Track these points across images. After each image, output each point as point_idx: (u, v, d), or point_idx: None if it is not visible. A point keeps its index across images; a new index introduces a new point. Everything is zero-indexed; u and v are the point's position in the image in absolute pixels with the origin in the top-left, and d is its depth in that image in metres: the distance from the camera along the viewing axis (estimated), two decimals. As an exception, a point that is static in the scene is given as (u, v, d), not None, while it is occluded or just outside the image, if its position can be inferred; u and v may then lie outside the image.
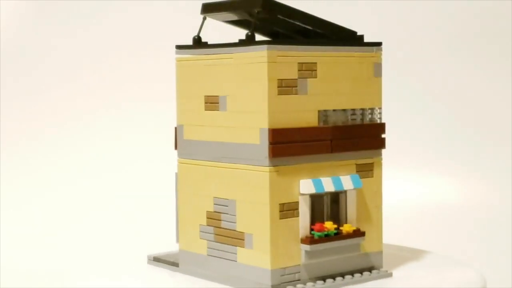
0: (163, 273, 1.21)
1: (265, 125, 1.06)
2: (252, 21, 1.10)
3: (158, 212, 1.38)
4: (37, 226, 1.79)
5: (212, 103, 1.14)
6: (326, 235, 1.10)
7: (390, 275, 1.17)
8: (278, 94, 1.06)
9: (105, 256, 1.46)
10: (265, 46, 1.05)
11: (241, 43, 1.09)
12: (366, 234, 1.15)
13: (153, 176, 1.88)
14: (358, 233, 1.13)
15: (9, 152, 1.99)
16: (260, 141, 1.07)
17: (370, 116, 1.17)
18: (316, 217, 1.12)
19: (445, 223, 2.00)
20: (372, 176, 1.17)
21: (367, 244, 1.16)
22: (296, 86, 1.08)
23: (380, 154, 1.18)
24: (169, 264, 1.23)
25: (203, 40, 1.18)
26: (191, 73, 1.17)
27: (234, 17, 1.16)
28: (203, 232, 1.17)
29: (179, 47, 1.19)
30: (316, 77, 1.10)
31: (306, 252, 1.09)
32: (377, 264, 1.18)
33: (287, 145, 1.07)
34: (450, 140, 2.21)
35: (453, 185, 2.15)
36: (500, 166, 2.19)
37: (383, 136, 1.18)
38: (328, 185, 1.11)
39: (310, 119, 1.10)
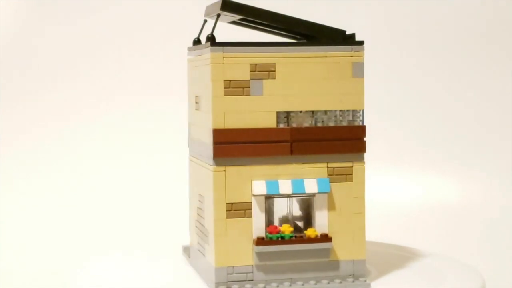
0: (176, 261, 1.29)
1: (210, 125, 1.08)
2: (214, 23, 1.12)
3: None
4: (50, 225, 1.87)
5: (197, 103, 1.19)
6: (281, 238, 1.09)
7: (368, 285, 1.11)
8: (225, 95, 1.08)
9: (145, 243, 1.54)
10: (209, 48, 1.08)
11: (205, 45, 1.12)
12: (344, 241, 1.11)
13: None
14: (322, 239, 1.10)
15: (12, 151, 2.10)
16: (209, 141, 1.09)
17: (349, 118, 1.12)
18: (282, 219, 1.11)
19: (444, 223, 1.88)
20: (352, 181, 1.12)
21: (342, 251, 1.12)
22: (249, 87, 1.09)
23: (362, 158, 1.12)
24: (187, 255, 1.30)
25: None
26: (191, 74, 1.23)
27: (228, 19, 1.19)
28: (195, 227, 1.22)
29: (188, 48, 1.25)
30: (274, 78, 1.09)
31: (257, 253, 1.09)
32: (359, 273, 1.13)
33: (234, 145, 1.08)
34: (450, 140, 2.12)
35: (453, 185, 2.02)
36: (501, 165, 2.04)
37: (364, 139, 1.12)
38: (286, 188, 1.09)
39: (267, 120, 1.09)
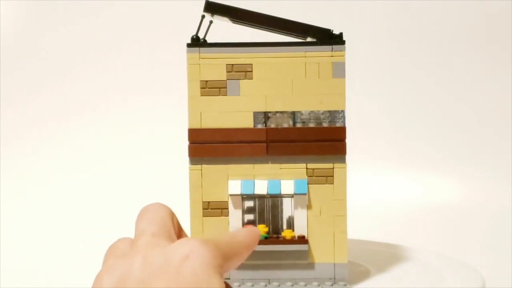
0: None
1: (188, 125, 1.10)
2: (199, 24, 1.13)
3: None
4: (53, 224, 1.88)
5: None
6: (256, 238, 1.09)
7: (346, 290, 1.10)
8: (201, 95, 1.09)
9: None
10: (188, 49, 1.09)
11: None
12: (324, 244, 1.10)
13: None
14: (298, 241, 1.09)
15: (12, 151, 2.11)
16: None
17: (330, 119, 1.10)
18: (265, 220, 1.11)
19: (444, 223, 1.83)
20: (332, 183, 1.10)
21: (322, 254, 1.11)
22: (225, 87, 1.09)
23: (343, 160, 1.10)
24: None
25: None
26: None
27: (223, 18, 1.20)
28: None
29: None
30: (251, 79, 1.09)
31: (231, 252, 1.10)
32: (339, 276, 1.11)
33: (210, 145, 1.09)
34: (450, 140, 2.07)
35: (453, 185, 1.96)
36: (501, 165, 1.98)
37: (344, 141, 1.10)
38: (261, 188, 1.09)
39: (244, 120, 1.10)
